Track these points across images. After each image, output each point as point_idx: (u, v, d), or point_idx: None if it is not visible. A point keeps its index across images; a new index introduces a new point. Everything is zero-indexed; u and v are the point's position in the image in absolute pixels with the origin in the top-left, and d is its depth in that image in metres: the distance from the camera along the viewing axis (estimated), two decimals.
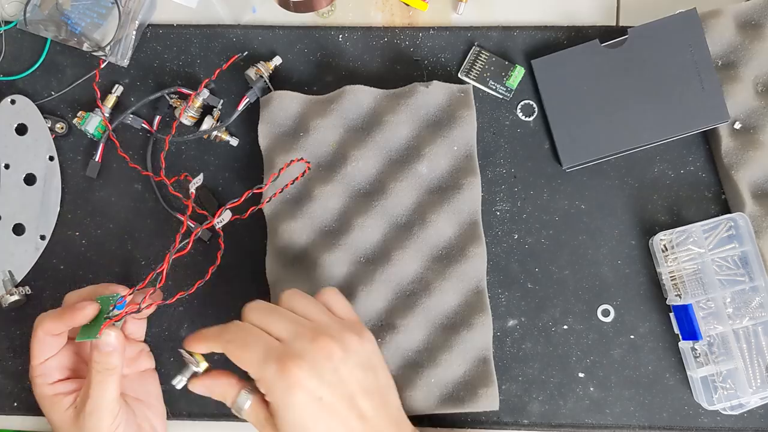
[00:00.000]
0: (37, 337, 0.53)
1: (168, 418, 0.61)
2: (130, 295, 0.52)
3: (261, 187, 0.58)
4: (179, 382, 0.51)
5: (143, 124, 0.62)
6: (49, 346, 0.54)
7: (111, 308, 0.52)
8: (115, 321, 0.51)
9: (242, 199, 0.56)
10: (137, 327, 0.57)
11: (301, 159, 0.59)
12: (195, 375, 0.51)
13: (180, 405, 0.61)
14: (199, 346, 0.50)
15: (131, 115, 0.62)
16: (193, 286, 0.54)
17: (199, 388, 0.51)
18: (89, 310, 0.52)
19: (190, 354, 0.50)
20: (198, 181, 0.56)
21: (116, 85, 0.63)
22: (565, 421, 0.60)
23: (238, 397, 0.49)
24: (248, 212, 0.57)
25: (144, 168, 0.62)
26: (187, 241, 0.52)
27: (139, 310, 0.52)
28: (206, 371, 0.50)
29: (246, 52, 0.62)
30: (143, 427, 0.56)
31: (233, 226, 0.62)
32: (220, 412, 0.61)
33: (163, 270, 0.52)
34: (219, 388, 0.50)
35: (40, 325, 0.53)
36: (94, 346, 0.51)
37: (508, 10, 0.64)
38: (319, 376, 0.46)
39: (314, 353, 0.46)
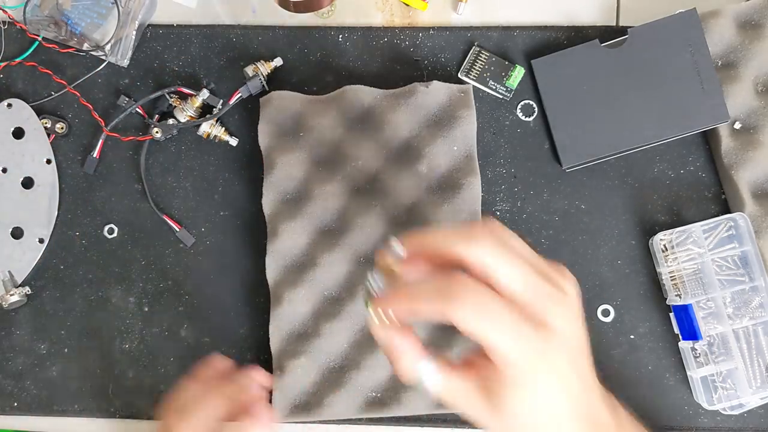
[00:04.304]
0: None
1: None
2: None
3: None
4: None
5: (138, 109, 0.62)
6: None
7: None
8: None
9: None
10: None
11: None
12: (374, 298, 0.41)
13: None
14: (404, 310, 0.39)
15: (126, 99, 0.62)
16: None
17: (384, 336, 0.40)
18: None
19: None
20: None
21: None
22: None
23: (424, 363, 0.40)
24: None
25: (139, 171, 0.62)
26: None
27: None
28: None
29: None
30: None
31: (233, 225, 0.62)
32: None
33: None
34: (404, 346, 0.40)
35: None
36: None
37: (508, 10, 0.64)
38: (574, 364, 0.40)
39: (571, 338, 0.39)
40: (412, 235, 0.40)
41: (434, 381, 0.40)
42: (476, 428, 0.60)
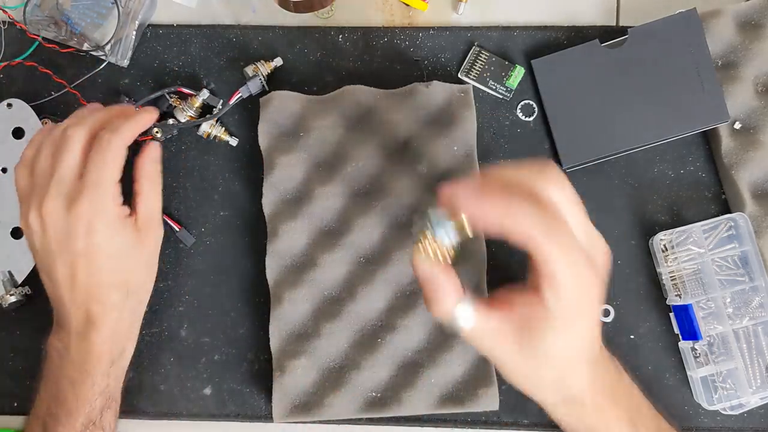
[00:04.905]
0: (119, 150, 0.50)
1: (168, 418, 0.61)
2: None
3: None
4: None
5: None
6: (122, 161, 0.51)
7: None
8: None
9: None
10: None
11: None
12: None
13: (180, 405, 0.61)
14: (482, 210, 0.40)
15: (126, 99, 0.62)
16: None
17: (425, 267, 0.42)
18: (155, 112, 0.55)
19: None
20: None
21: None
22: None
23: (461, 301, 0.42)
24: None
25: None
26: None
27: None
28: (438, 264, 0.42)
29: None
30: None
31: (233, 225, 0.62)
32: (220, 412, 0.61)
33: None
34: (444, 281, 0.42)
35: (120, 136, 0.51)
36: (150, 155, 0.54)
37: (508, 10, 0.64)
38: (601, 286, 0.44)
39: (606, 265, 0.46)
40: (490, 174, 0.42)
41: (470, 320, 0.41)
42: (477, 428, 0.60)
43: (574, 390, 0.46)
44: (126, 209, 0.52)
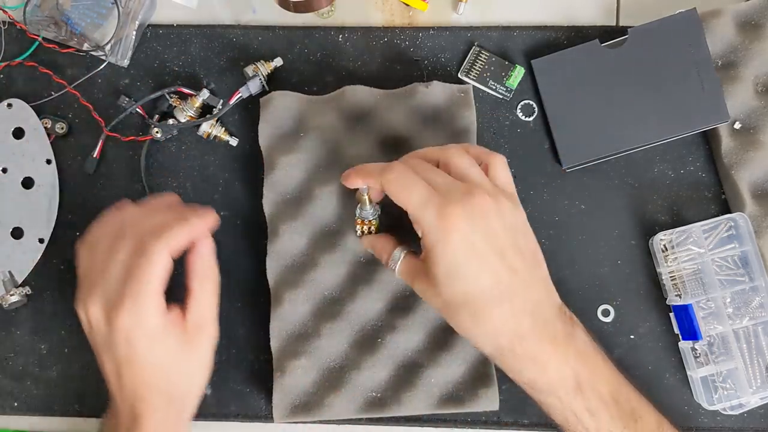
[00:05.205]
0: (161, 257, 0.49)
1: None
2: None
3: None
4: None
5: (138, 109, 0.62)
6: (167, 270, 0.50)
7: None
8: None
9: None
10: None
11: None
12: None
13: None
14: (358, 181, 0.53)
15: (126, 99, 0.62)
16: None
17: (366, 241, 0.57)
18: (212, 219, 0.53)
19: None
20: None
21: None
22: None
23: (393, 252, 0.54)
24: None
25: (139, 171, 0.62)
26: None
27: None
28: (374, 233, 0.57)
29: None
30: None
31: (233, 225, 0.62)
32: (220, 412, 0.61)
33: None
34: (380, 244, 0.56)
35: (165, 243, 0.49)
36: (201, 252, 0.52)
37: (508, 10, 0.64)
38: (473, 223, 0.48)
39: (470, 204, 0.48)
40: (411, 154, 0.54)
41: (399, 263, 0.53)
42: (477, 428, 0.60)
43: (498, 333, 0.49)
44: (173, 315, 0.50)
